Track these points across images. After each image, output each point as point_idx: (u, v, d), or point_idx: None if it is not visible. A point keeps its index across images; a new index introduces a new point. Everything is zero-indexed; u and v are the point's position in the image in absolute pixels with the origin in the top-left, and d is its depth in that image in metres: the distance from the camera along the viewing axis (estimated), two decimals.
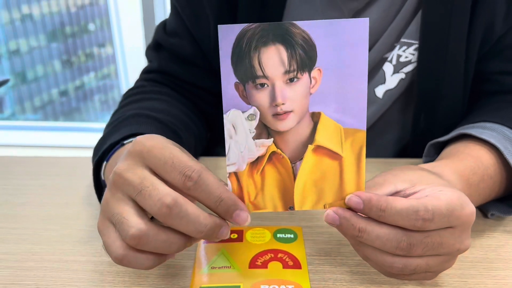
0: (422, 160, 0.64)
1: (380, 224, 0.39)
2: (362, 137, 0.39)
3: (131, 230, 0.36)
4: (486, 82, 0.70)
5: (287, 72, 0.38)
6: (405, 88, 0.70)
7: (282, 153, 0.40)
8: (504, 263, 0.49)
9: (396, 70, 0.69)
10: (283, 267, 0.47)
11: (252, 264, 0.48)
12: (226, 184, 0.40)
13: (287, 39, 0.37)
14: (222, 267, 0.47)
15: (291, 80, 0.38)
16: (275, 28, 0.37)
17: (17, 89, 2.28)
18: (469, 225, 0.40)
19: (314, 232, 0.54)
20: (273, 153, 0.40)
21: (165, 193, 0.36)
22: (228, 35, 0.36)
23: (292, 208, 0.41)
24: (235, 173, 0.40)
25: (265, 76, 0.38)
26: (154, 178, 0.37)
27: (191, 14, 0.69)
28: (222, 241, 0.40)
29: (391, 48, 0.68)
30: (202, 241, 0.51)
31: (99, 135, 0.61)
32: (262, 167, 0.40)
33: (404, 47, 0.67)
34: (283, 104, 0.39)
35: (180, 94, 0.72)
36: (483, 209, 0.56)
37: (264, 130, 0.39)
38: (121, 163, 0.39)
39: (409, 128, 0.73)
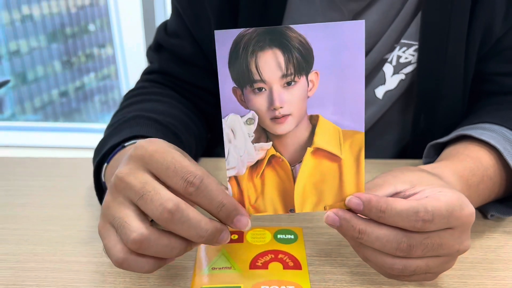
0: (422, 161, 0.64)
1: (380, 225, 0.39)
2: (360, 139, 0.40)
3: (132, 234, 0.37)
4: (485, 83, 0.70)
5: (284, 76, 0.38)
6: (405, 89, 0.71)
7: (281, 156, 0.40)
8: (503, 264, 0.49)
9: (396, 71, 0.69)
10: (284, 268, 0.47)
11: (253, 265, 0.48)
12: (227, 188, 0.40)
13: (283, 43, 0.37)
14: (222, 267, 0.48)
15: (289, 83, 0.38)
16: (272, 33, 0.37)
17: (17, 90, 2.28)
18: (469, 226, 0.40)
19: (314, 233, 0.54)
20: (272, 156, 0.40)
21: (167, 198, 0.36)
22: (224, 40, 0.37)
23: (292, 210, 0.42)
24: (235, 177, 0.41)
25: (262, 80, 0.38)
26: (156, 183, 0.38)
27: (192, 15, 0.69)
28: (221, 244, 0.41)
29: (391, 49, 0.68)
30: None
31: (99, 135, 0.61)
32: (261, 170, 0.41)
33: (404, 48, 0.67)
34: (281, 107, 0.39)
35: (181, 95, 0.72)
36: (483, 210, 0.56)
37: (263, 133, 0.40)
38: (122, 167, 0.39)
39: (409, 129, 0.73)
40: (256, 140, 0.40)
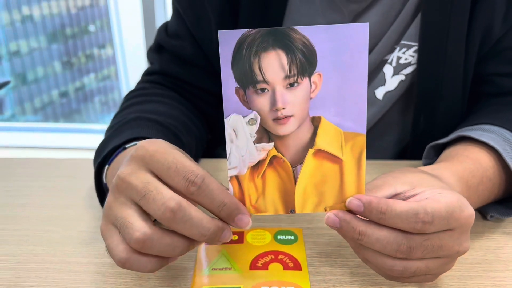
0: (422, 162, 0.64)
1: (380, 227, 0.39)
2: (362, 140, 0.40)
3: (135, 234, 0.37)
4: (485, 84, 0.70)
5: (287, 77, 0.38)
6: (405, 89, 0.71)
7: (283, 157, 0.41)
8: (503, 265, 0.49)
9: (396, 72, 0.69)
10: (284, 269, 0.48)
11: (253, 266, 0.48)
12: (228, 188, 0.40)
13: (287, 44, 0.37)
14: (222, 268, 0.48)
15: (291, 85, 0.38)
16: (275, 33, 0.37)
17: (18, 90, 2.28)
18: (468, 227, 0.40)
19: (314, 234, 0.54)
20: (274, 157, 0.40)
21: (169, 197, 0.37)
22: (228, 40, 0.37)
23: (293, 211, 0.42)
24: (237, 177, 0.41)
25: (265, 81, 0.38)
26: (158, 183, 0.38)
27: (192, 16, 0.69)
28: (223, 242, 0.41)
29: (391, 50, 0.68)
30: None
31: (99, 136, 0.61)
32: (263, 171, 0.41)
33: (404, 49, 0.67)
34: (283, 108, 0.39)
35: (181, 96, 0.73)
36: (482, 211, 0.56)
37: (264, 134, 0.40)
38: (124, 168, 0.39)
39: (409, 130, 0.73)
40: (258, 141, 0.40)
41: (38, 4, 2.14)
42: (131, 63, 1.90)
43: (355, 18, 0.66)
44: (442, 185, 0.43)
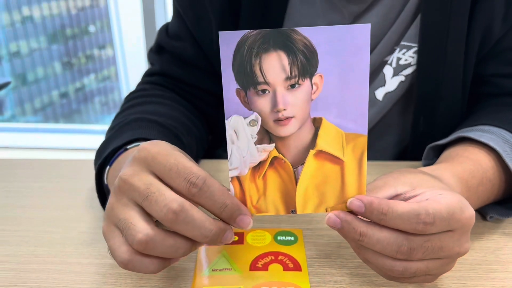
0: (422, 163, 0.65)
1: (381, 228, 0.39)
2: (363, 142, 0.40)
3: (138, 235, 0.37)
4: (484, 85, 0.70)
5: (288, 78, 0.38)
6: (405, 90, 0.71)
7: (284, 158, 0.41)
8: (502, 266, 0.49)
9: (396, 72, 0.69)
10: (284, 269, 0.48)
11: (253, 266, 0.48)
12: (229, 189, 0.40)
13: (288, 46, 0.37)
14: (223, 269, 0.48)
15: (292, 86, 0.38)
16: (276, 35, 0.37)
17: (18, 91, 2.28)
18: (469, 228, 0.40)
19: (314, 235, 0.54)
20: (275, 158, 0.41)
21: (171, 198, 0.37)
22: (229, 41, 0.37)
23: (294, 211, 0.42)
24: (238, 178, 0.41)
25: (266, 83, 0.38)
26: (160, 184, 0.38)
27: (193, 17, 0.69)
28: (225, 244, 0.41)
29: (391, 51, 0.68)
30: None
31: (100, 137, 0.61)
32: (264, 171, 0.41)
33: (404, 50, 0.68)
34: (284, 110, 0.39)
35: (182, 97, 0.73)
36: (482, 212, 0.56)
37: (265, 135, 0.40)
38: (126, 169, 0.39)
39: (409, 131, 0.73)
40: (259, 142, 0.40)
41: (38, 5, 2.14)
42: (131, 64, 1.90)
43: (355, 19, 0.66)
44: (442, 186, 0.43)
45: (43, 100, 2.32)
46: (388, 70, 0.69)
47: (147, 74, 0.76)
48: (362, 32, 0.36)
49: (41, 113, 2.35)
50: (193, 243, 0.39)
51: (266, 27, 0.65)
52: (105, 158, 0.54)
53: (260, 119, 0.39)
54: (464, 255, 0.41)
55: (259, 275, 0.47)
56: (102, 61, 2.33)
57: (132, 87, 0.75)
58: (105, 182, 0.53)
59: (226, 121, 0.39)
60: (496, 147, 0.54)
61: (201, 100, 0.74)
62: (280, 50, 0.37)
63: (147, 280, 0.47)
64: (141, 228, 0.37)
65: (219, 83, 0.38)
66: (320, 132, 0.40)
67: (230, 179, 0.41)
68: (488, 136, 0.56)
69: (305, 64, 0.38)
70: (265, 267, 0.48)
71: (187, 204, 0.37)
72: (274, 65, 0.38)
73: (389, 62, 0.69)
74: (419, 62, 0.67)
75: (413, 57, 0.68)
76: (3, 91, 2.20)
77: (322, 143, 0.40)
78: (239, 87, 0.38)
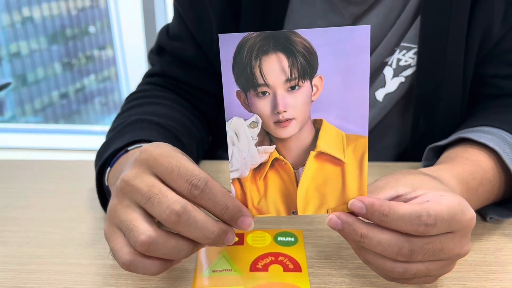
0: (421, 164, 0.65)
1: (382, 230, 0.39)
2: (364, 143, 0.40)
3: (141, 236, 0.37)
4: (484, 86, 0.70)
5: (288, 80, 0.38)
6: (405, 91, 0.71)
7: (285, 160, 0.41)
8: (502, 266, 0.49)
9: (396, 73, 0.69)
10: (284, 270, 0.48)
11: (253, 267, 0.48)
12: (230, 191, 0.40)
13: (288, 48, 0.37)
14: (223, 270, 0.48)
15: (293, 88, 0.38)
16: (276, 37, 0.37)
17: (18, 92, 2.28)
18: (469, 230, 0.41)
19: (314, 236, 0.54)
20: (276, 159, 0.41)
21: (174, 200, 0.37)
22: (229, 43, 0.37)
23: (295, 213, 0.42)
24: (239, 179, 0.41)
25: (266, 85, 0.38)
26: (163, 186, 0.38)
27: (194, 18, 0.70)
28: (227, 245, 0.41)
29: (391, 52, 0.68)
30: None
31: (100, 137, 0.61)
32: (265, 173, 0.41)
33: (404, 51, 0.68)
34: (284, 111, 0.39)
35: (182, 98, 0.73)
36: (482, 213, 0.57)
37: (266, 137, 0.40)
38: (128, 171, 0.39)
39: (409, 132, 0.73)
40: (259, 143, 0.40)
41: (39, 6, 2.14)
42: (131, 64, 1.90)
43: (356, 20, 0.66)
44: (443, 188, 0.43)
45: (43, 100, 2.32)
46: (388, 71, 0.69)
47: (148, 75, 0.76)
48: (362, 33, 0.36)
49: (41, 114, 2.35)
50: (195, 245, 0.39)
51: (267, 27, 0.65)
52: (105, 160, 0.54)
53: (260, 121, 0.39)
54: (464, 256, 0.41)
55: (259, 276, 0.47)
56: (102, 61, 2.33)
57: (132, 87, 0.75)
58: (106, 184, 0.54)
59: (226, 123, 0.39)
60: (496, 148, 0.54)
61: (201, 101, 0.75)
62: (280, 52, 0.37)
63: (148, 281, 0.47)
64: (144, 229, 0.37)
65: (219, 84, 0.39)
66: (321, 133, 0.40)
67: (231, 181, 0.41)
68: (488, 137, 0.56)
69: (305, 66, 0.38)
70: (265, 268, 0.48)
71: (189, 205, 0.37)
72: (274, 67, 0.38)
73: (389, 63, 0.69)
74: (419, 63, 0.67)
75: (413, 58, 0.68)
76: (3, 92, 2.20)
77: (323, 145, 0.40)
78: (239, 89, 0.38)
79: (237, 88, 0.38)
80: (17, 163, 0.74)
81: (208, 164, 0.72)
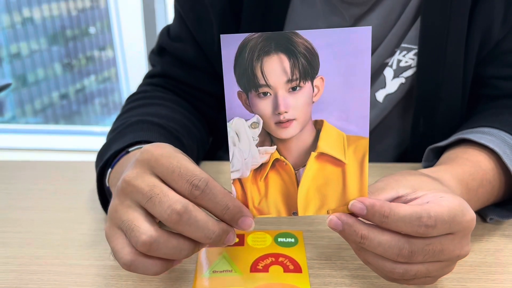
0: (422, 165, 0.65)
1: (382, 231, 0.39)
2: (365, 144, 0.40)
3: (142, 236, 0.37)
4: (484, 87, 0.70)
5: (289, 81, 0.38)
6: (405, 92, 0.71)
7: (285, 160, 0.41)
8: (502, 267, 0.49)
9: (396, 74, 0.69)
10: (284, 271, 0.48)
11: (253, 268, 0.48)
12: (231, 192, 0.40)
13: (289, 49, 0.37)
14: (223, 271, 0.48)
15: (294, 89, 0.38)
16: (277, 38, 0.37)
17: (18, 92, 2.28)
18: (469, 231, 0.41)
19: (314, 236, 0.54)
20: (276, 160, 0.41)
21: (175, 200, 0.37)
22: (230, 44, 0.37)
23: (295, 213, 0.42)
24: (239, 180, 0.41)
25: (267, 85, 0.38)
26: (164, 186, 0.38)
27: (194, 19, 0.70)
28: (227, 245, 0.41)
29: (392, 53, 0.68)
30: None
31: (100, 138, 0.61)
32: (265, 173, 0.41)
33: (404, 52, 0.68)
34: (285, 112, 0.39)
35: (183, 98, 0.73)
36: (482, 214, 0.57)
37: (267, 137, 0.40)
38: (129, 171, 0.40)
39: (409, 132, 0.73)
40: (260, 144, 0.40)
41: (39, 6, 2.14)
42: (132, 65, 1.90)
43: (356, 21, 0.66)
44: (443, 189, 0.43)
45: (44, 101, 2.32)
46: (388, 72, 0.69)
47: (148, 76, 0.76)
48: (363, 34, 0.37)
49: (41, 115, 2.35)
50: (196, 244, 0.39)
51: (267, 28, 0.65)
52: (106, 161, 0.54)
53: (261, 121, 0.39)
54: (464, 257, 0.41)
55: (259, 276, 0.47)
56: (102, 62, 2.33)
57: (132, 88, 0.75)
58: (107, 185, 0.54)
59: (227, 124, 0.39)
60: (496, 148, 0.54)
61: (202, 102, 0.75)
62: (281, 53, 0.37)
63: (149, 281, 0.47)
64: (145, 229, 0.37)
65: (220, 85, 0.39)
66: (322, 134, 0.40)
67: (232, 181, 0.41)
68: (488, 138, 0.56)
69: (306, 66, 0.38)
70: (265, 269, 0.48)
71: (190, 205, 0.37)
72: (276, 68, 0.38)
73: (389, 64, 0.69)
74: (419, 64, 0.67)
75: (413, 59, 0.68)
76: (4, 93, 2.20)
77: (324, 146, 0.40)
78: (240, 89, 0.38)
79: (238, 89, 0.38)
80: (18, 164, 0.74)
81: (208, 165, 0.72)
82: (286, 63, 0.38)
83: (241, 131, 0.39)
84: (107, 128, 0.65)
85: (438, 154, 0.62)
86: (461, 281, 0.47)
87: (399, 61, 0.68)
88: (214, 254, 0.50)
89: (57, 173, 0.71)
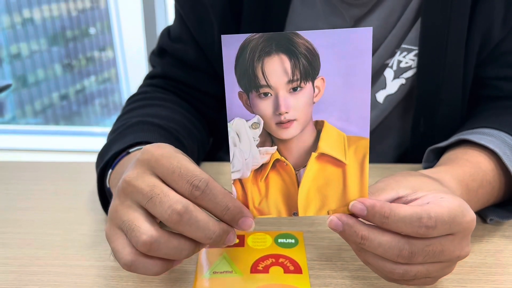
0: (422, 166, 0.65)
1: (382, 232, 0.39)
2: (365, 144, 0.40)
3: (142, 236, 0.37)
4: (484, 87, 0.70)
5: (290, 81, 0.38)
6: (406, 93, 0.71)
7: (286, 161, 0.41)
8: (502, 268, 0.49)
9: (397, 75, 0.69)
10: (284, 272, 0.48)
11: (254, 269, 0.48)
12: (231, 192, 0.40)
13: (290, 49, 0.37)
14: (223, 271, 0.48)
15: (295, 89, 0.38)
16: (278, 38, 0.37)
17: (18, 93, 2.28)
18: (470, 232, 0.41)
19: (315, 237, 0.54)
20: (277, 160, 0.41)
21: (175, 200, 0.37)
22: (231, 44, 0.37)
23: (296, 214, 0.42)
24: (240, 180, 0.41)
25: (268, 86, 0.38)
26: (164, 186, 0.38)
27: (195, 20, 0.70)
28: (228, 245, 0.41)
29: (392, 54, 0.68)
30: None
31: (100, 139, 0.61)
32: (266, 174, 0.41)
33: (405, 53, 0.68)
34: (286, 113, 0.39)
35: (183, 99, 0.73)
36: (482, 215, 0.57)
37: (268, 138, 0.40)
38: (130, 171, 0.40)
39: (409, 133, 0.73)
40: (261, 144, 0.40)
41: (39, 7, 2.14)
42: (132, 66, 1.90)
43: (356, 22, 0.67)
44: (443, 189, 0.43)
45: (44, 102, 2.32)
46: (389, 73, 0.70)
47: (149, 77, 0.76)
48: (364, 35, 0.37)
49: (42, 115, 2.35)
50: (197, 245, 0.39)
51: (268, 30, 0.65)
52: (107, 161, 0.54)
53: (262, 122, 0.39)
54: (464, 258, 0.41)
55: (260, 277, 0.47)
56: (102, 63, 2.33)
57: (133, 89, 0.76)
58: (107, 186, 0.54)
59: (228, 124, 0.39)
60: (496, 149, 0.54)
61: (202, 103, 0.75)
62: (282, 53, 0.37)
63: (149, 282, 0.47)
64: (146, 229, 0.37)
65: (220, 86, 0.39)
66: (322, 135, 0.40)
67: (232, 182, 0.41)
68: (488, 138, 0.56)
69: (307, 67, 0.38)
70: (265, 270, 0.48)
71: (191, 205, 0.37)
72: (276, 69, 0.38)
73: (390, 65, 0.69)
74: (420, 65, 0.67)
75: (413, 60, 0.68)
76: (4, 93, 2.20)
77: (324, 146, 0.40)
78: (241, 90, 0.38)
79: (239, 89, 0.38)
80: (18, 165, 0.74)
81: (208, 166, 0.72)
82: (287, 64, 0.38)
83: (241, 131, 0.39)
84: (107, 129, 0.65)
85: (438, 155, 0.62)
86: (461, 282, 0.47)
87: (399, 62, 0.68)
88: (214, 255, 0.50)
89: (57, 173, 0.71)
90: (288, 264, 0.49)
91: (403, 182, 0.43)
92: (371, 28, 0.36)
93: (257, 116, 0.39)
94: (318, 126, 0.40)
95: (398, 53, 0.68)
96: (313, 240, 0.54)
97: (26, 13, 2.14)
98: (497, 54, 0.67)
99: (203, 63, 0.72)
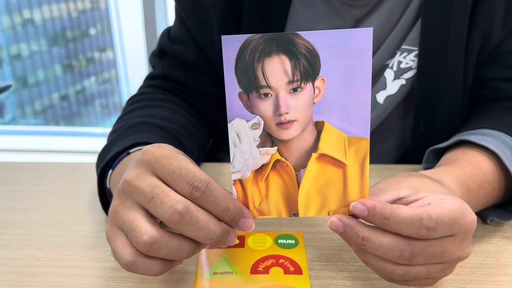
0: (422, 166, 0.65)
1: (383, 233, 0.39)
2: (365, 145, 0.40)
3: (143, 237, 0.37)
4: (484, 88, 0.70)
5: (290, 82, 0.38)
6: (406, 94, 0.71)
7: (286, 161, 0.41)
8: (502, 269, 0.49)
9: (397, 76, 0.69)
10: (284, 273, 0.48)
11: (254, 270, 0.48)
12: (231, 193, 0.40)
13: (290, 50, 0.37)
14: (224, 272, 0.48)
15: (295, 90, 0.38)
16: (279, 39, 0.37)
17: (18, 94, 2.28)
18: (470, 233, 0.41)
19: (315, 238, 0.54)
20: (277, 161, 0.41)
21: (176, 200, 0.37)
22: (231, 45, 0.37)
23: (296, 214, 0.42)
24: (240, 181, 0.41)
25: (268, 86, 0.38)
26: (165, 186, 0.38)
27: (195, 21, 0.70)
28: (228, 246, 0.41)
29: (392, 55, 0.68)
30: None
31: (100, 139, 0.61)
32: (266, 174, 0.41)
33: (405, 54, 0.68)
34: (286, 113, 0.39)
35: (183, 100, 0.73)
36: (482, 215, 0.57)
37: (268, 138, 0.40)
38: (130, 172, 0.40)
39: (409, 134, 0.73)
40: (261, 145, 0.40)
41: (39, 8, 2.14)
42: (132, 67, 1.90)
43: (357, 23, 0.67)
44: (444, 190, 0.43)
45: (44, 102, 2.32)
46: (389, 74, 0.70)
47: (149, 78, 0.76)
48: (364, 36, 0.37)
49: (42, 116, 2.35)
50: (197, 245, 0.39)
51: (268, 30, 0.65)
52: (107, 162, 0.54)
53: (262, 122, 0.39)
54: (465, 259, 0.41)
55: (260, 278, 0.47)
56: (102, 63, 2.33)
57: (133, 89, 0.76)
58: (108, 186, 0.54)
59: (228, 124, 0.39)
60: (496, 150, 0.54)
61: (202, 103, 0.75)
62: (282, 54, 0.37)
63: (149, 283, 0.47)
64: (146, 230, 0.37)
65: (220, 86, 0.39)
66: (323, 135, 0.40)
67: (232, 182, 0.41)
68: (488, 139, 0.56)
69: (307, 68, 0.38)
70: (266, 271, 0.48)
71: (192, 205, 0.37)
72: (277, 69, 0.38)
73: (390, 65, 0.69)
74: (420, 66, 0.67)
75: (414, 61, 0.68)
76: (4, 94, 2.20)
77: (325, 147, 0.40)
78: (241, 90, 0.38)
79: (239, 90, 0.38)
80: (18, 166, 0.74)
81: (208, 166, 0.72)
82: (287, 64, 0.38)
83: (242, 132, 0.39)
84: (108, 130, 0.65)
85: (438, 155, 0.62)
86: (461, 282, 0.47)
87: (399, 62, 0.68)
88: (214, 255, 0.50)
89: (58, 174, 0.71)
90: (288, 265, 0.49)
91: (403, 183, 0.43)
92: (372, 28, 0.36)
93: (257, 117, 0.39)
94: (319, 126, 0.40)
95: (398, 53, 0.68)
96: (313, 241, 0.54)
97: (26, 14, 2.14)
98: (497, 54, 0.67)
99: (203, 64, 0.72)
